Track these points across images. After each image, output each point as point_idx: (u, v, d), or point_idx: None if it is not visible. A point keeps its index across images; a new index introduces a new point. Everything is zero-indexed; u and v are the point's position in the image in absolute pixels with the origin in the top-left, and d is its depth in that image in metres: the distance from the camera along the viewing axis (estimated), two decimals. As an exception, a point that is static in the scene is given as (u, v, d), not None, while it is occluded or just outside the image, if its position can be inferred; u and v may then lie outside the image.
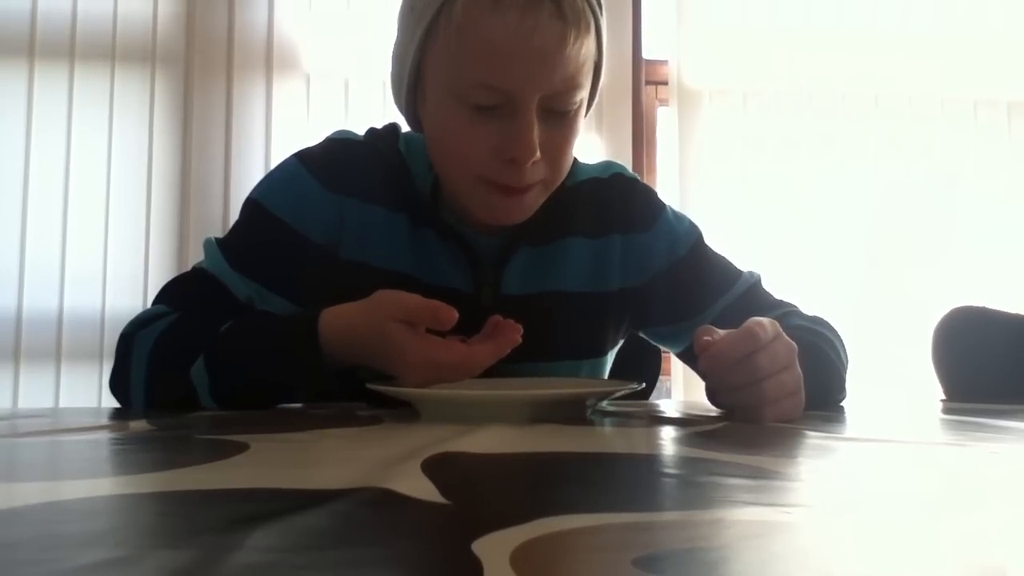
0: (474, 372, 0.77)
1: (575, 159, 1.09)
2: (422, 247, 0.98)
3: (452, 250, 0.98)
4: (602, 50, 0.90)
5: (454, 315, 0.75)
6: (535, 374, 0.95)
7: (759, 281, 1.07)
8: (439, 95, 0.89)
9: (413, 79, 0.91)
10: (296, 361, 0.82)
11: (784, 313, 1.02)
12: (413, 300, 0.78)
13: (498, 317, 0.80)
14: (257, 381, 0.83)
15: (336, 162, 0.99)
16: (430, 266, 0.98)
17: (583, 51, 0.85)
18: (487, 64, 0.83)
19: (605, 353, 1.07)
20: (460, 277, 0.98)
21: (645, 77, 2.64)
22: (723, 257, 1.09)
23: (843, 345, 0.99)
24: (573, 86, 0.86)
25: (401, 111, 0.98)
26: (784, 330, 0.76)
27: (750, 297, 1.05)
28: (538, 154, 0.86)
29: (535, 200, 0.93)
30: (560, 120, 0.88)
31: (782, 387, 0.73)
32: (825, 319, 1.02)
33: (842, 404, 0.95)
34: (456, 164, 0.91)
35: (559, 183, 0.94)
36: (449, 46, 0.84)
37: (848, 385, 0.97)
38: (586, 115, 0.95)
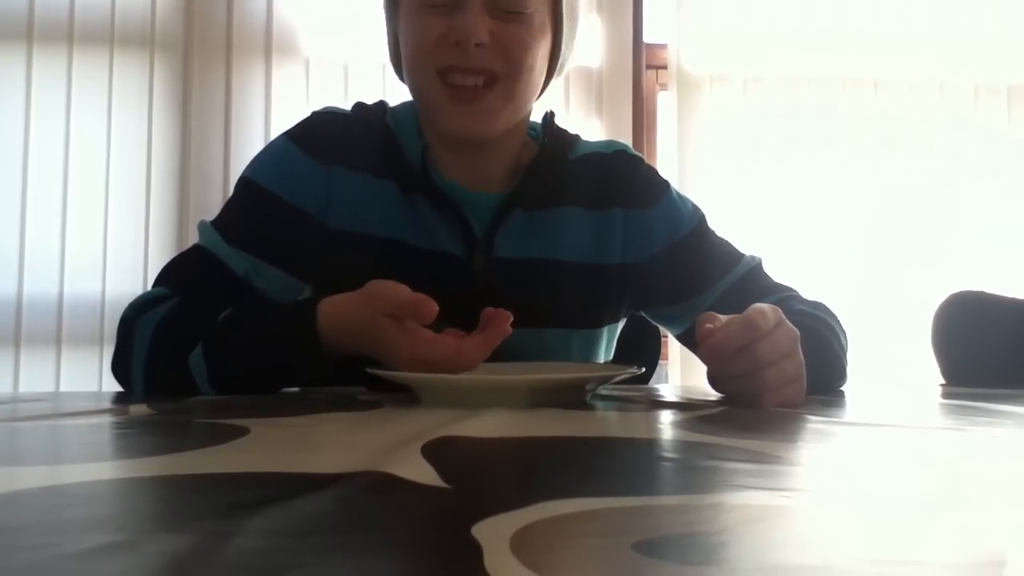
0: (467, 367, 0.76)
1: (578, 137, 1.09)
2: (414, 212, 0.99)
3: (444, 215, 0.99)
4: None
5: (434, 309, 0.75)
6: (526, 340, 0.94)
7: (760, 264, 1.07)
8: (406, 11, 0.95)
9: (391, 12, 0.98)
10: (295, 350, 0.82)
11: (784, 297, 1.02)
12: (399, 294, 0.78)
13: (491, 309, 0.80)
14: (254, 369, 0.83)
15: (320, 133, 1.01)
16: (422, 231, 0.99)
17: None
18: None
19: (600, 326, 1.07)
20: (452, 241, 0.99)
21: (645, 61, 2.63)
22: (725, 240, 1.09)
23: (843, 330, 0.99)
24: None
25: (396, 69, 1.03)
26: (786, 315, 0.76)
27: (751, 280, 1.05)
28: (483, 38, 0.91)
29: (495, 105, 0.95)
30: (512, 18, 0.93)
31: (783, 374, 0.73)
32: (825, 304, 1.02)
33: (843, 389, 0.95)
34: (418, 65, 0.95)
35: (520, 88, 0.96)
36: None
37: (848, 371, 0.97)
38: (560, 68, 1.02)
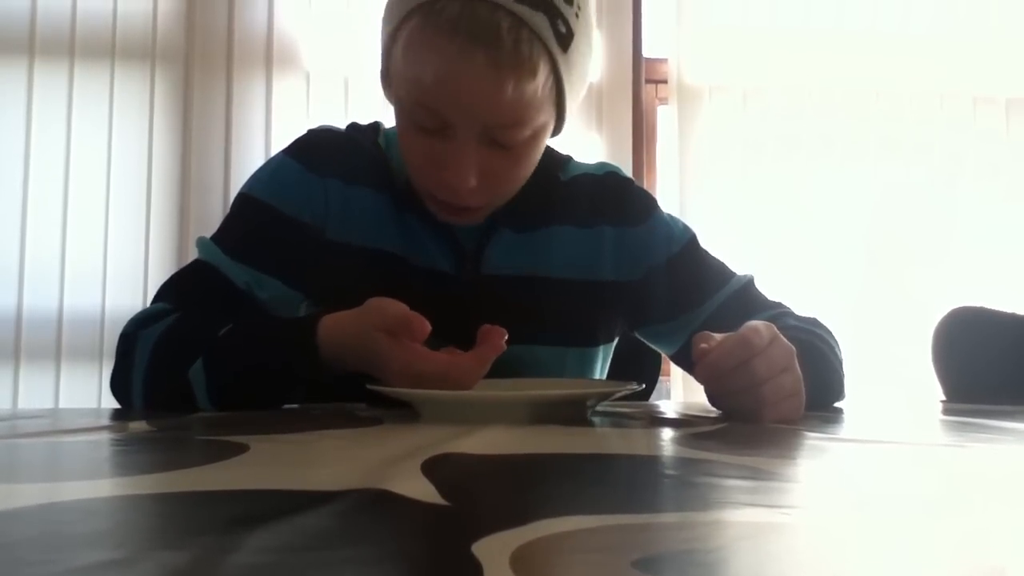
0: (462, 383, 0.76)
1: (570, 158, 1.10)
2: (406, 228, 1.00)
3: (433, 232, 1.00)
4: (560, 80, 0.87)
5: (427, 328, 0.76)
6: (518, 356, 0.94)
7: (752, 281, 1.08)
8: (397, 97, 0.90)
9: (385, 69, 0.93)
10: (295, 352, 0.82)
11: (778, 314, 1.02)
12: (394, 310, 0.78)
13: (487, 326, 0.80)
14: (254, 369, 0.83)
15: (315, 147, 1.02)
16: (414, 247, 0.99)
17: (527, 94, 0.84)
18: (423, 90, 0.84)
19: (594, 344, 1.07)
20: (442, 257, 1.00)
21: (645, 75, 2.63)
22: (717, 258, 1.10)
23: (838, 345, 1.00)
24: (514, 123, 0.86)
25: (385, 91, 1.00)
26: (780, 331, 0.76)
27: (743, 297, 1.05)
28: (473, 182, 0.87)
29: (484, 212, 0.96)
30: (505, 151, 0.88)
31: (780, 389, 0.73)
32: (819, 320, 1.02)
33: (840, 405, 0.95)
34: (409, 167, 0.94)
35: (512, 195, 0.96)
36: (400, 57, 0.86)
37: (846, 385, 0.97)
38: (557, 133, 0.96)
